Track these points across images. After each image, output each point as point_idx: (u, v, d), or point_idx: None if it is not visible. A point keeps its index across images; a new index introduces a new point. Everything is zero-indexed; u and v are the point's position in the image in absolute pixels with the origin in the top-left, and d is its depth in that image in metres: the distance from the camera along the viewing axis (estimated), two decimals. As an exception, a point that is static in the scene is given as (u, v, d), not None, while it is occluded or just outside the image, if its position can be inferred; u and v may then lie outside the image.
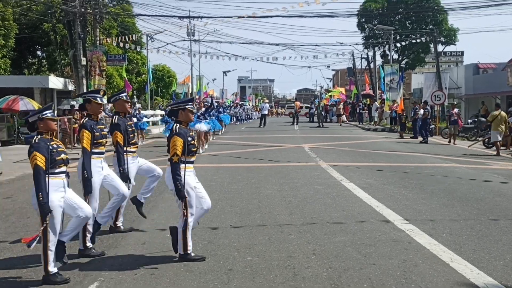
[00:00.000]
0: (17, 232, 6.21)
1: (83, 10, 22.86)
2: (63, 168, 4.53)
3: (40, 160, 4.28)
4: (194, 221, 5.11)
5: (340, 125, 32.64)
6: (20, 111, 19.08)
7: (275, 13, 24.88)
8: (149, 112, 28.73)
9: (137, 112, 19.24)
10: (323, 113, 35.33)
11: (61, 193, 4.46)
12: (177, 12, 66.42)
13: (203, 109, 16.83)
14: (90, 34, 25.30)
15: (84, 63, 23.13)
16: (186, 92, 41.30)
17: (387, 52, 38.20)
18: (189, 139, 5.01)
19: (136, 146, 6.11)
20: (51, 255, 4.43)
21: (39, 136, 4.44)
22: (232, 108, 39.70)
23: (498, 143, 15.53)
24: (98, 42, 25.32)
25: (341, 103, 37.20)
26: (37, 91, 23.39)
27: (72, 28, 22.82)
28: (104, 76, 24.66)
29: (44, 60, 34.24)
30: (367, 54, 45.00)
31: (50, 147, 4.39)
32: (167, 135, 20.73)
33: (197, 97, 40.27)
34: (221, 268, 4.77)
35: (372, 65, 43.44)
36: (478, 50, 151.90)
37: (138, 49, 32.14)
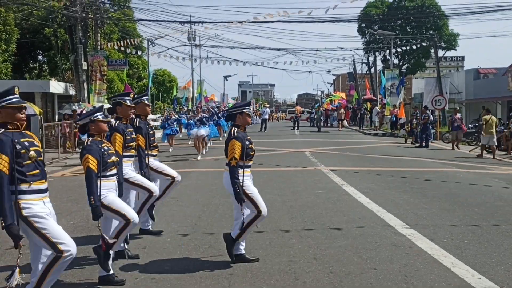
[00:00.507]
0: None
1: (84, 15, 22.95)
2: (114, 171, 4.54)
3: (92, 163, 4.24)
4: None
5: (340, 130, 32.35)
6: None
7: (276, 18, 24.88)
8: (150, 116, 28.62)
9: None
10: (321, 118, 35.18)
11: (113, 193, 4.49)
12: (178, 17, 66.59)
13: (201, 114, 16.54)
14: (91, 39, 25.37)
15: (85, 67, 23.18)
16: (187, 97, 41.36)
17: (388, 57, 38.27)
18: (247, 143, 5.00)
19: (157, 149, 6.08)
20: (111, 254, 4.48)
21: (90, 139, 4.41)
22: None
23: (491, 148, 16.47)
24: (99, 46, 25.37)
25: (342, 108, 37.08)
26: (38, 95, 23.42)
27: (73, 33, 22.90)
28: (105, 80, 24.71)
29: (45, 65, 34.35)
30: (368, 59, 45.12)
31: (102, 150, 4.37)
32: (165, 142, 20.07)
33: (197, 102, 40.35)
34: (222, 273, 4.76)
35: (372, 70, 43.51)
36: (479, 55, 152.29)
37: (139, 53, 32.21)
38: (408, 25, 43.08)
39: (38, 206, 3.61)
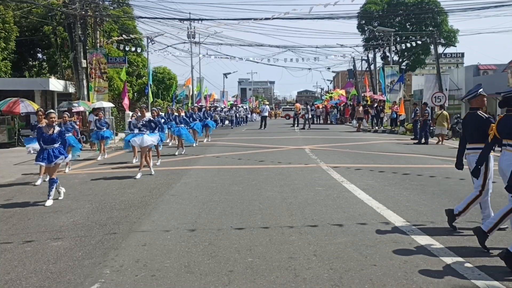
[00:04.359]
0: (17, 234, 6.21)
1: (83, 12, 22.92)
2: None
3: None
4: None
5: (358, 131, 28.51)
6: (20, 113, 19.12)
7: (276, 15, 24.83)
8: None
9: (96, 118, 16.23)
10: (306, 115, 34.55)
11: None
12: (177, 15, 66.31)
13: (148, 116, 11.98)
14: (90, 37, 25.34)
15: (84, 65, 23.18)
16: (186, 94, 41.36)
17: (387, 54, 38.21)
18: None
19: None
20: None
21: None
22: (225, 110, 39.31)
23: (440, 136, 19.80)
24: (98, 44, 25.35)
25: (361, 106, 34.58)
26: (37, 93, 23.47)
27: (73, 31, 22.89)
28: (105, 78, 24.70)
29: (44, 63, 34.33)
30: (367, 56, 45.04)
31: None
32: (124, 148, 16.66)
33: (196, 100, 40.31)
34: (222, 270, 4.76)
35: (372, 67, 43.47)
36: (478, 52, 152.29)
37: (139, 51, 32.14)
38: (408, 21, 43.06)
39: None
